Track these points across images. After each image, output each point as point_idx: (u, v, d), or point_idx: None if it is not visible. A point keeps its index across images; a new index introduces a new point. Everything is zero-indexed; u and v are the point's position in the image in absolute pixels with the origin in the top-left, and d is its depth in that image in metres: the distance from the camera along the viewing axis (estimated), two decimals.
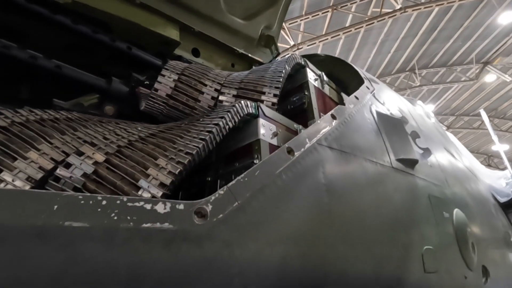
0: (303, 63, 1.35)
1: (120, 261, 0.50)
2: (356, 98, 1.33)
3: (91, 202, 0.50)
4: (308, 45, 10.53)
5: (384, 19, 11.36)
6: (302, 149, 0.88)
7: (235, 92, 1.17)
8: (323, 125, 1.03)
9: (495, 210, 2.80)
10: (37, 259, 0.45)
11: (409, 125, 1.61)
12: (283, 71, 1.19)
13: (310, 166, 0.88)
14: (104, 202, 0.51)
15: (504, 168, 4.49)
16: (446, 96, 17.08)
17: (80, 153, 0.70)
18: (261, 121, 0.97)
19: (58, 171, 0.66)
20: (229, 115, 0.89)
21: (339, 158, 0.98)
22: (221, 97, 1.17)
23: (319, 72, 1.46)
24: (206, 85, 1.20)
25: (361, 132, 1.18)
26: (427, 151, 1.56)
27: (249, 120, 0.99)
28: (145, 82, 1.48)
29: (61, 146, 0.71)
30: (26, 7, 1.19)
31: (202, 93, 1.20)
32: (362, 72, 1.66)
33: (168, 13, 1.53)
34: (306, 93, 1.29)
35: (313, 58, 1.87)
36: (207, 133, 0.82)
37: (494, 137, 3.84)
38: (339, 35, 10.95)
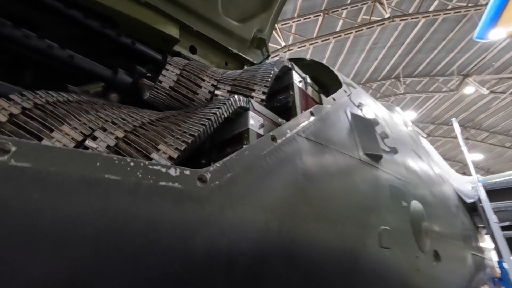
0: (289, 66, 1.54)
1: (142, 209, 0.67)
2: (334, 99, 1.54)
3: (122, 162, 0.67)
4: (298, 47, 10.76)
5: (373, 26, 11.73)
6: (284, 138, 1.07)
7: (229, 88, 1.34)
8: (303, 120, 1.22)
9: (457, 209, 3.10)
10: (84, 202, 0.61)
11: (379, 127, 1.84)
12: (272, 72, 1.38)
13: (290, 152, 1.07)
14: (132, 164, 0.68)
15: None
16: (427, 105, 17.76)
17: (104, 129, 0.86)
18: (251, 113, 1.15)
19: (87, 142, 0.82)
20: (225, 107, 1.06)
21: (314, 148, 1.18)
22: (217, 92, 1.35)
23: (303, 75, 1.66)
24: (204, 80, 1.37)
25: (335, 128, 1.39)
26: (393, 150, 1.79)
27: (241, 113, 1.17)
28: (148, 75, 1.63)
29: (88, 123, 0.87)
30: (45, 2, 1.32)
31: (201, 87, 1.37)
32: (342, 77, 1.87)
33: (170, 13, 1.68)
34: (291, 93, 1.48)
35: (299, 62, 2.07)
36: (206, 120, 0.99)
37: (463, 147, 4.18)
38: (329, 39, 11.25)
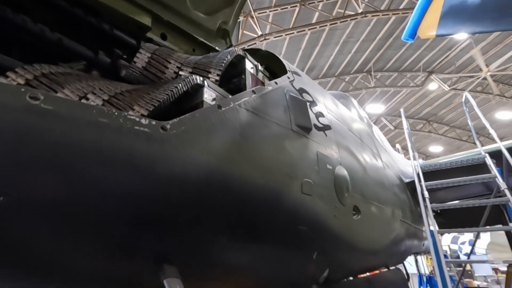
0: (243, 54, 1.93)
1: (123, 142, 1.05)
2: (276, 83, 1.96)
3: (110, 112, 1.04)
4: (275, 37, 11.06)
5: (346, 20, 12.23)
6: (227, 107, 1.47)
7: (190, 70, 1.71)
8: (245, 95, 1.63)
9: (392, 184, 3.69)
10: (85, 133, 0.99)
11: (316, 107, 2.29)
12: (226, 59, 1.76)
13: (231, 117, 1.47)
14: (116, 113, 1.06)
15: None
16: (396, 99, 18.82)
17: (94, 93, 1.21)
18: (206, 89, 1.53)
19: (81, 101, 1.18)
20: (184, 82, 1.44)
21: (252, 116, 1.59)
22: (180, 72, 1.71)
23: (255, 63, 2.06)
24: (170, 63, 1.73)
25: (273, 105, 1.80)
26: (326, 127, 2.26)
27: (198, 89, 1.54)
28: (124, 57, 1.96)
29: (81, 89, 1.23)
30: None
31: (167, 68, 1.73)
32: (289, 66, 2.28)
33: (143, 4, 1.99)
34: (243, 77, 1.88)
35: (257, 52, 2.46)
36: (170, 91, 1.37)
37: (407, 135, 4.78)
38: (304, 30, 11.63)
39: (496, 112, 17.81)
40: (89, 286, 1.20)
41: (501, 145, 3.77)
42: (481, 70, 13.51)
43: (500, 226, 3.90)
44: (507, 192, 3.42)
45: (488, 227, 4.03)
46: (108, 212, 1.05)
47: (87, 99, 1.20)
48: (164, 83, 1.56)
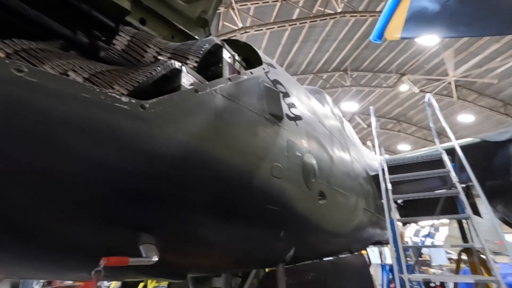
0: (221, 44, 2.03)
1: (104, 117, 1.13)
2: (251, 73, 2.08)
3: (92, 88, 1.11)
4: (255, 30, 11.11)
5: (326, 19, 12.53)
6: (204, 91, 1.57)
7: (169, 55, 1.78)
8: (221, 82, 1.74)
9: (357, 175, 3.95)
10: (68, 105, 1.05)
11: (289, 99, 2.44)
12: (204, 47, 1.85)
13: (207, 101, 1.57)
14: (98, 90, 1.13)
15: None
16: (369, 98, 19.58)
17: (74, 70, 1.27)
18: (183, 74, 1.62)
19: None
20: (163, 66, 1.52)
21: (226, 101, 1.70)
22: (159, 57, 1.78)
23: (233, 53, 2.16)
24: (150, 47, 1.79)
25: (247, 93, 1.92)
26: (297, 117, 2.42)
27: (176, 73, 1.63)
28: (102, 38, 1.99)
29: (62, 66, 1.27)
30: None
31: (147, 52, 1.79)
32: (264, 58, 2.41)
33: None
34: (220, 65, 1.98)
35: (235, 43, 2.56)
36: (149, 73, 1.44)
37: (374, 133, 5.08)
38: (285, 26, 11.79)
39: (458, 115, 19.04)
40: (71, 251, 1.27)
41: (455, 143, 4.14)
42: (447, 74, 14.37)
43: (450, 215, 4.31)
44: (458, 185, 3.79)
45: (440, 216, 4.43)
46: (90, 181, 1.13)
47: (68, 75, 1.26)
48: (143, 66, 1.63)
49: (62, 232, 1.18)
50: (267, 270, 2.82)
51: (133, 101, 1.23)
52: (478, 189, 3.55)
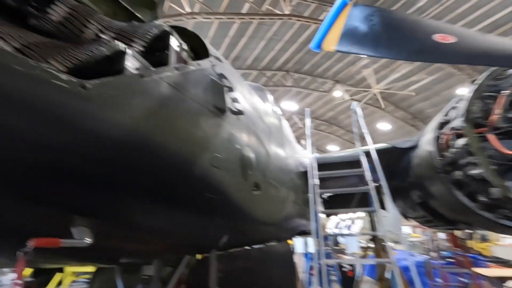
0: (169, 30, 2.01)
1: (39, 95, 1.07)
2: (198, 64, 2.12)
3: (25, 60, 1.04)
4: (203, 17, 10.86)
5: (273, 19, 12.91)
6: (149, 78, 1.57)
7: (113, 35, 1.72)
8: (168, 70, 1.75)
9: (289, 170, 4.29)
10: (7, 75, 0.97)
11: (233, 93, 2.55)
12: (152, 32, 1.83)
13: (152, 88, 1.58)
14: (32, 63, 1.06)
15: None
16: (307, 100, 20.91)
17: (2, 38, 1.15)
18: (128, 57, 1.58)
19: None
20: (108, 46, 1.47)
21: (171, 90, 1.72)
22: (102, 35, 1.70)
23: (181, 41, 2.16)
24: (91, 23, 1.69)
25: (193, 84, 1.97)
26: (240, 112, 2.54)
27: (121, 55, 1.58)
28: (33, 3, 1.79)
29: None
30: None
31: (88, 28, 1.69)
32: (212, 51, 2.46)
33: None
34: (166, 52, 1.97)
35: (185, 31, 2.54)
36: (91, 52, 1.38)
37: (307, 131, 5.54)
38: (233, 18, 11.77)
39: (378, 123, 21.65)
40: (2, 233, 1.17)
41: (371, 147, 4.80)
42: (371, 86, 16.24)
43: (361, 208, 5.00)
44: (370, 182, 4.42)
45: (355, 209, 5.10)
46: (22, 159, 1.06)
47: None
48: (83, 42, 1.54)
49: None
50: (199, 258, 2.91)
51: (74, 79, 1.19)
52: (385, 187, 4.21)
